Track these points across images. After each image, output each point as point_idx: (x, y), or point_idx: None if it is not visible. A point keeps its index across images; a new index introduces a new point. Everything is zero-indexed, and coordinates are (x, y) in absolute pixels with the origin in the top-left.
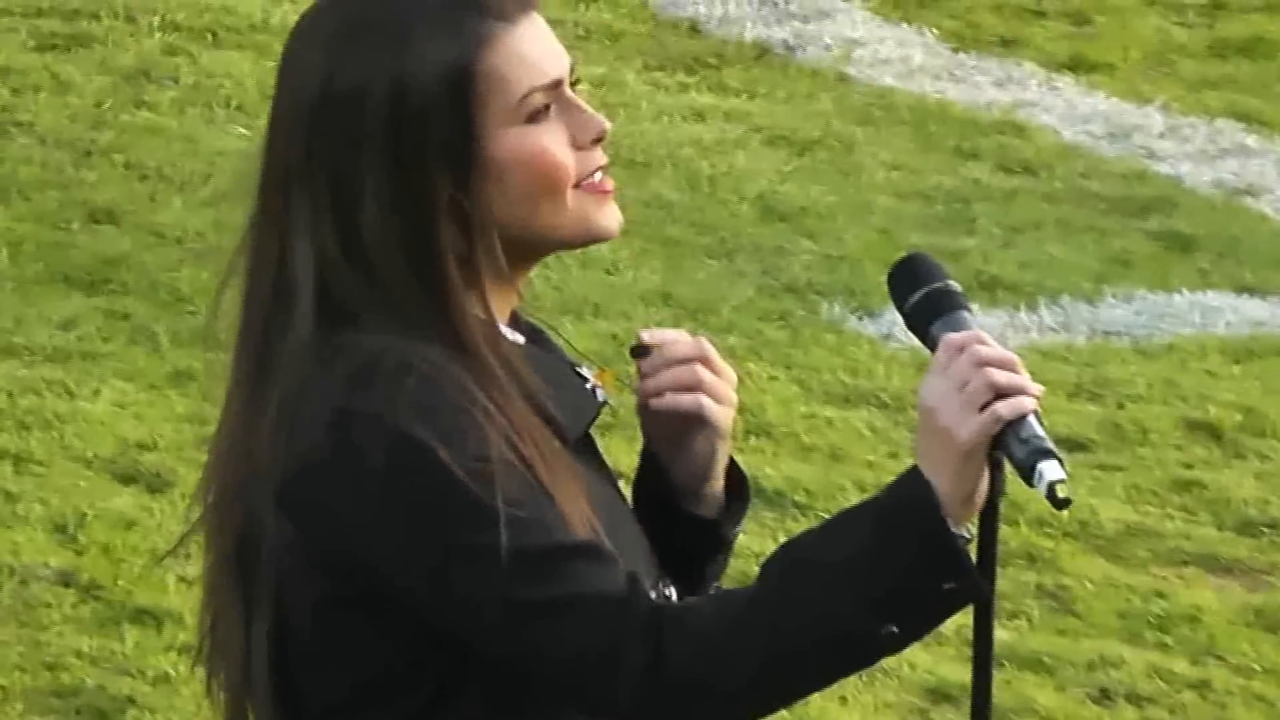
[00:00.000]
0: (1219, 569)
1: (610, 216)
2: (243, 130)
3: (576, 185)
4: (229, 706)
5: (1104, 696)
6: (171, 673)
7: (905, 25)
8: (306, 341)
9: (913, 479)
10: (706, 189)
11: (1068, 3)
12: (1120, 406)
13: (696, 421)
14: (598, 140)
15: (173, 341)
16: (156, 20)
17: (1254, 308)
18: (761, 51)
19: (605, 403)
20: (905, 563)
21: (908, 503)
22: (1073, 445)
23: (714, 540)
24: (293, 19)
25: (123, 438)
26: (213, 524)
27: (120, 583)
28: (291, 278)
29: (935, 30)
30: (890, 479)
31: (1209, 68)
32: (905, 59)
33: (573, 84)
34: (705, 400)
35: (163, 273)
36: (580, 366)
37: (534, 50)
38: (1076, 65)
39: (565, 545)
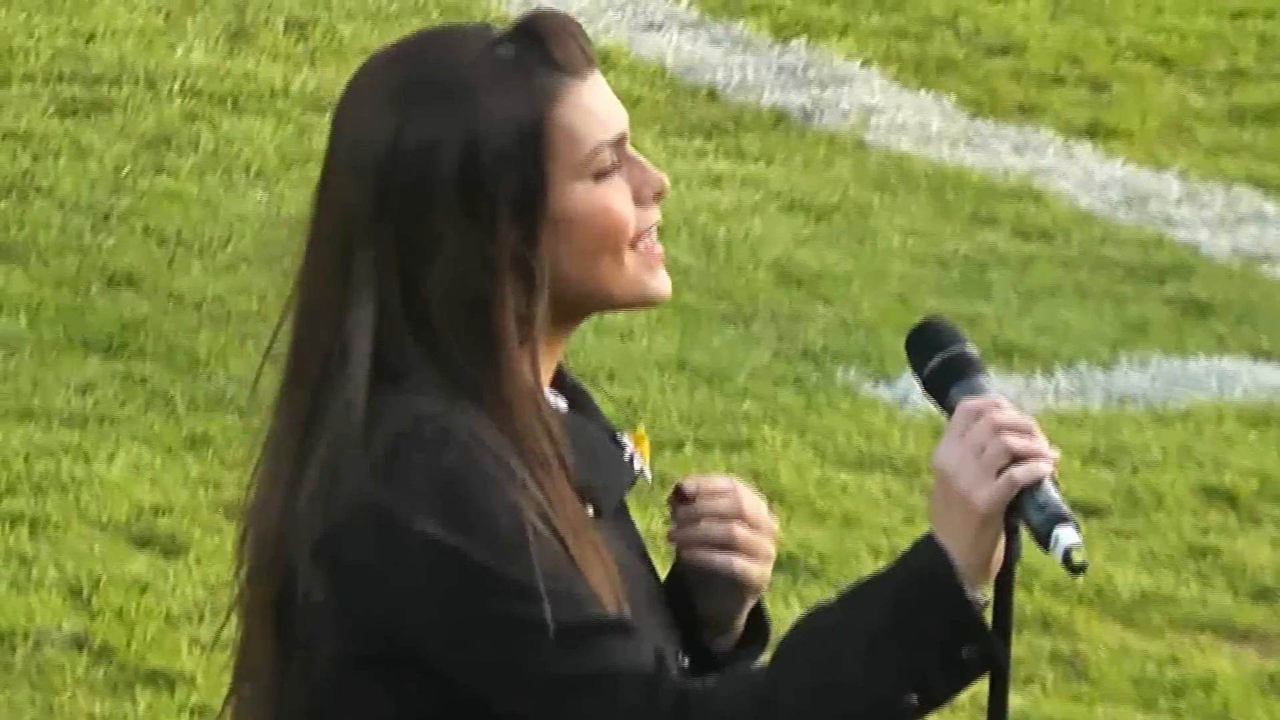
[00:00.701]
0: (1234, 635)
1: (662, 281)
2: (263, 195)
3: (633, 245)
4: None
5: None
6: None
7: (923, 92)
8: (356, 403)
9: (928, 547)
10: (723, 255)
11: (1086, 70)
12: (1136, 472)
13: (727, 578)
14: (658, 196)
15: (189, 406)
16: (177, 86)
17: (1271, 374)
18: (779, 117)
19: (641, 472)
20: (924, 633)
21: (924, 573)
22: (1088, 511)
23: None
24: (313, 85)
25: (138, 502)
26: (251, 574)
27: (134, 646)
28: (348, 335)
29: (953, 97)
30: (905, 544)
31: (1227, 135)
32: (923, 125)
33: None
34: (737, 561)
35: (180, 337)
36: (619, 433)
37: (600, 105)
38: (1094, 132)
39: (596, 621)
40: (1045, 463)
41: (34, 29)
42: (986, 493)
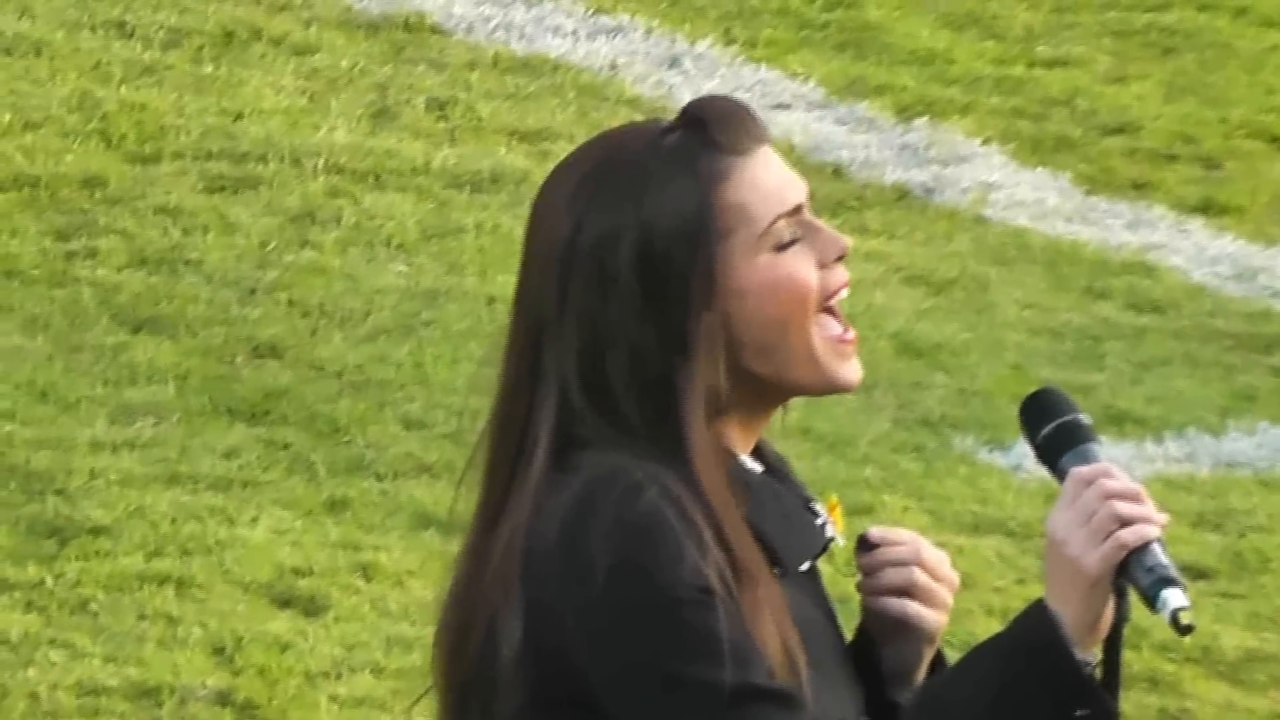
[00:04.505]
0: None
1: (852, 370)
2: (403, 268)
3: (825, 309)
4: None
5: None
6: None
7: (1041, 169)
8: (539, 479)
9: (1038, 613)
10: None
11: (1199, 148)
12: (1242, 536)
13: (905, 624)
14: (840, 258)
15: (329, 471)
16: (321, 163)
17: None
18: (902, 194)
19: (833, 539)
20: (1038, 697)
21: (1034, 638)
22: (1196, 573)
23: None
24: (452, 162)
25: (279, 563)
26: (445, 649)
27: (275, 702)
28: (536, 422)
29: (1069, 174)
30: (1017, 605)
31: None
32: (1040, 201)
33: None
34: (911, 605)
35: (321, 405)
36: (814, 502)
37: (772, 179)
38: (1206, 208)
39: (757, 688)
40: (1153, 527)
41: (184, 108)
42: (1095, 557)
